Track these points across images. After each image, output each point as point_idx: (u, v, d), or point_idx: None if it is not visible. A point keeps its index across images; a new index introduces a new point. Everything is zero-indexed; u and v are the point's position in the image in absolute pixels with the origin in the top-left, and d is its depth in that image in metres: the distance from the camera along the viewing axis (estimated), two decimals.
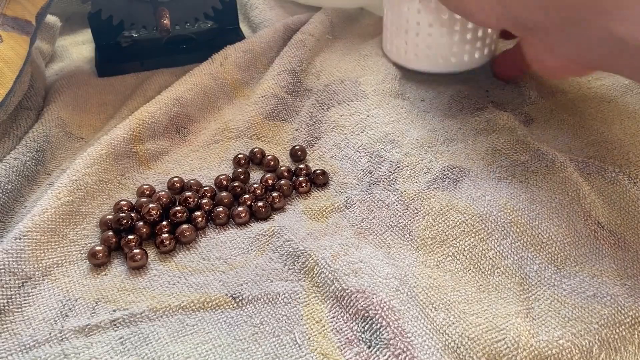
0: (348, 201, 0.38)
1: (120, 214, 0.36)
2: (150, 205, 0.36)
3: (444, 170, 0.38)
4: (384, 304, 0.30)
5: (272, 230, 0.36)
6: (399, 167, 0.39)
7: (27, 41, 0.44)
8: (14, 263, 0.33)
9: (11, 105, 0.44)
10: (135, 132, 0.43)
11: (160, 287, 0.33)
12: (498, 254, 0.33)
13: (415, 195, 0.37)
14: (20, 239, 0.33)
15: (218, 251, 0.35)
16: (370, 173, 0.40)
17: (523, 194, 0.36)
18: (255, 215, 0.38)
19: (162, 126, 0.45)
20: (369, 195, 0.38)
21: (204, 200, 0.38)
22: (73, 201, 0.37)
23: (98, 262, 0.34)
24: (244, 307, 0.31)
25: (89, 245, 0.36)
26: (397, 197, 0.37)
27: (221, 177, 0.40)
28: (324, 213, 0.37)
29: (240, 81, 0.51)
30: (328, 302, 0.31)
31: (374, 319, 0.29)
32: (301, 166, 0.41)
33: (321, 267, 0.32)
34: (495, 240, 0.33)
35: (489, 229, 0.34)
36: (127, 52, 0.56)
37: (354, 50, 0.54)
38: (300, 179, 0.40)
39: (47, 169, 0.42)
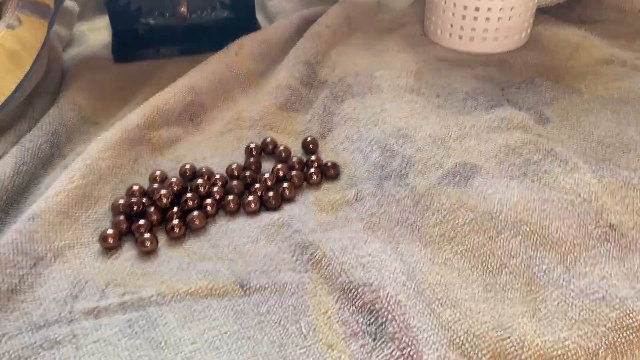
0: (358, 194, 0.38)
1: (132, 199, 0.36)
2: (162, 192, 0.36)
3: (455, 166, 0.38)
4: (391, 298, 0.30)
5: (282, 220, 0.36)
6: (410, 162, 0.39)
7: (45, 25, 0.45)
8: (26, 244, 0.33)
9: (28, 88, 0.44)
10: (149, 119, 0.43)
11: (169, 272, 0.33)
12: (506, 252, 0.33)
13: (425, 191, 0.37)
14: (33, 219, 0.34)
15: (227, 239, 0.35)
16: (382, 167, 0.39)
17: (534, 193, 0.36)
18: (266, 205, 0.38)
19: (175, 114, 0.45)
20: (379, 190, 0.38)
21: (215, 189, 0.38)
22: (86, 185, 0.37)
23: (109, 246, 0.35)
24: (251, 296, 0.32)
25: (100, 228, 0.36)
26: (408, 193, 0.37)
27: (233, 166, 0.40)
28: (334, 205, 0.37)
29: (254, 71, 0.51)
30: (335, 294, 0.31)
31: (379, 313, 0.29)
32: (312, 158, 0.41)
33: (329, 259, 0.32)
34: (504, 239, 0.33)
35: (498, 227, 0.34)
36: (143, 38, 0.56)
37: (370, 45, 0.54)
38: (312, 170, 0.40)
39: (62, 152, 0.43)
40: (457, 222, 0.35)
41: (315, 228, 0.35)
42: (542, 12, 0.59)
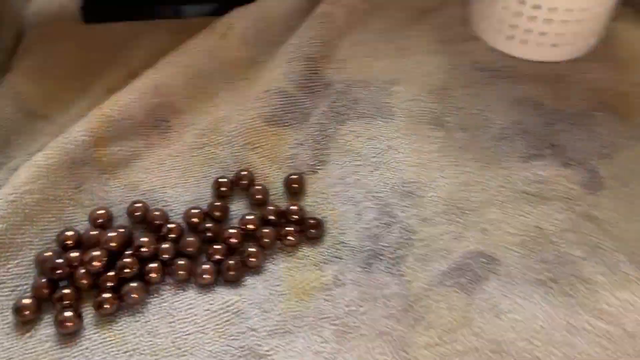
0: (339, 278, 0.30)
1: (57, 261, 0.29)
2: (94, 253, 0.29)
3: (467, 256, 0.30)
4: None
5: (238, 307, 0.29)
6: (411, 239, 0.31)
7: None
8: None
9: None
10: (99, 131, 0.35)
11: None
12: None
13: (422, 291, 0.29)
14: None
15: (168, 325, 0.29)
16: (375, 237, 0.31)
17: (563, 316, 0.27)
18: (223, 276, 0.30)
19: (136, 121, 0.36)
20: (365, 275, 0.30)
21: (165, 246, 0.31)
22: (6, 230, 0.30)
23: (24, 319, 0.28)
24: None
25: (21, 287, 0.30)
26: (400, 289, 0.29)
27: (194, 211, 0.33)
28: (306, 289, 0.30)
29: (245, 60, 0.42)
30: None
31: None
32: (293, 208, 0.33)
33: None
34: None
35: None
36: None
37: (394, 35, 0.43)
38: (289, 228, 0.32)
39: None
40: (455, 347, 0.27)
41: (275, 328, 0.28)
42: (624, 4, 0.46)
